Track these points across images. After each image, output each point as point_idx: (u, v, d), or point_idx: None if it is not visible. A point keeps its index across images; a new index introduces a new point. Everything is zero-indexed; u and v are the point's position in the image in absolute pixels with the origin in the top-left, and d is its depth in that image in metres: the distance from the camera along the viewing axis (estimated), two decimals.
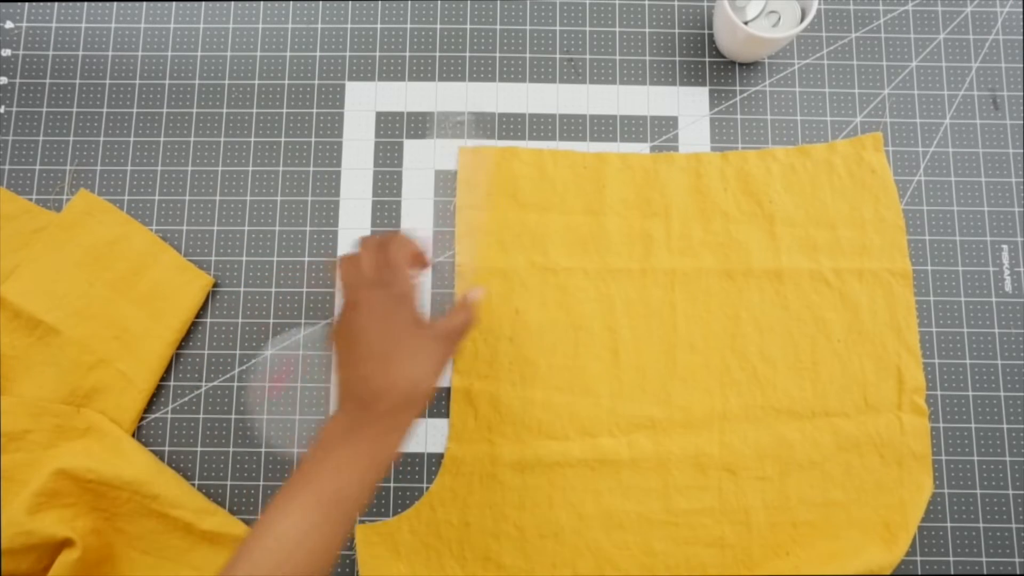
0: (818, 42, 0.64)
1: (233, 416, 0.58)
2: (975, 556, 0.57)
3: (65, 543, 0.51)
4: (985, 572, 0.56)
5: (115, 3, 0.64)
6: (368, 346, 0.45)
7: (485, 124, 0.62)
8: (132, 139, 0.62)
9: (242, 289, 0.60)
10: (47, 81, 0.62)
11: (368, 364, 0.45)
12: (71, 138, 0.61)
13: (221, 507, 0.56)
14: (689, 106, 0.63)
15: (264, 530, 0.41)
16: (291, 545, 0.41)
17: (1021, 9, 0.64)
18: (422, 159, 0.62)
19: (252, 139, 0.62)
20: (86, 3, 0.64)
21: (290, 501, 0.42)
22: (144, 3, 0.64)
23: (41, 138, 0.61)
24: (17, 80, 0.62)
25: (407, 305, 0.47)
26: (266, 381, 0.58)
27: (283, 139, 0.62)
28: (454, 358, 0.58)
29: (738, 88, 0.63)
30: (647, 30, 0.64)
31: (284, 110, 0.62)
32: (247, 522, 0.55)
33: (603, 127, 0.62)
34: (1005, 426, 0.58)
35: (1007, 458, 0.58)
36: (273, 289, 0.60)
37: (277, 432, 0.58)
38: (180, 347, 0.58)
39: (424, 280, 0.60)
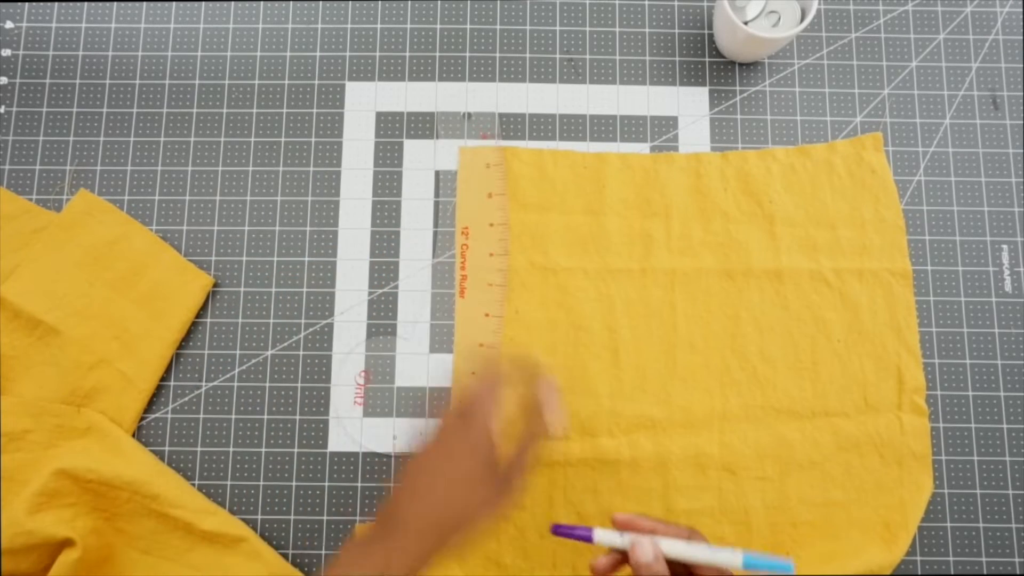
0: (818, 42, 0.64)
1: (233, 416, 0.58)
2: (975, 556, 0.57)
3: (65, 543, 0.51)
4: (985, 572, 0.56)
5: (115, 3, 0.64)
6: (432, 489, 0.42)
7: (506, 124, 0.62)
8: (132, 139, 0.62)
9: (242, 289, 0.60)
10: (47, 81, 0.62)
11: (424, 504, 0.42)
12: (71, 138, 0.61)
13: (221, 507, 0.56)
14: (689, 106, 0.63)
15: None
16: None
17: (1021, 9, 0.64)
18: (422, 159, 0.62)
19: (252, 139, 0.62)
20: (86, 3, 0.64)
21: None
22: (144, 3, 0.64)
23: (41, 138, 0.61)
24: (17, 80, 0.62)
25: (480, 453, 0.43)
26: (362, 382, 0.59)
27: (283, 139, 0.62)
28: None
29: (738, 88, 0.63)
30: (647, 30, 0.64)
31: (284, 110, 0.62)
32: (247, 522, 0.56)
33: (603, 127, 0.62)
34: (1005, 426, 0.58)
35: (1007, 458, 0.58)
36: (273, 289, 0.60)
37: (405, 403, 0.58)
38: (180, 347, 0.58)
39: (424, 281, 0.60)
